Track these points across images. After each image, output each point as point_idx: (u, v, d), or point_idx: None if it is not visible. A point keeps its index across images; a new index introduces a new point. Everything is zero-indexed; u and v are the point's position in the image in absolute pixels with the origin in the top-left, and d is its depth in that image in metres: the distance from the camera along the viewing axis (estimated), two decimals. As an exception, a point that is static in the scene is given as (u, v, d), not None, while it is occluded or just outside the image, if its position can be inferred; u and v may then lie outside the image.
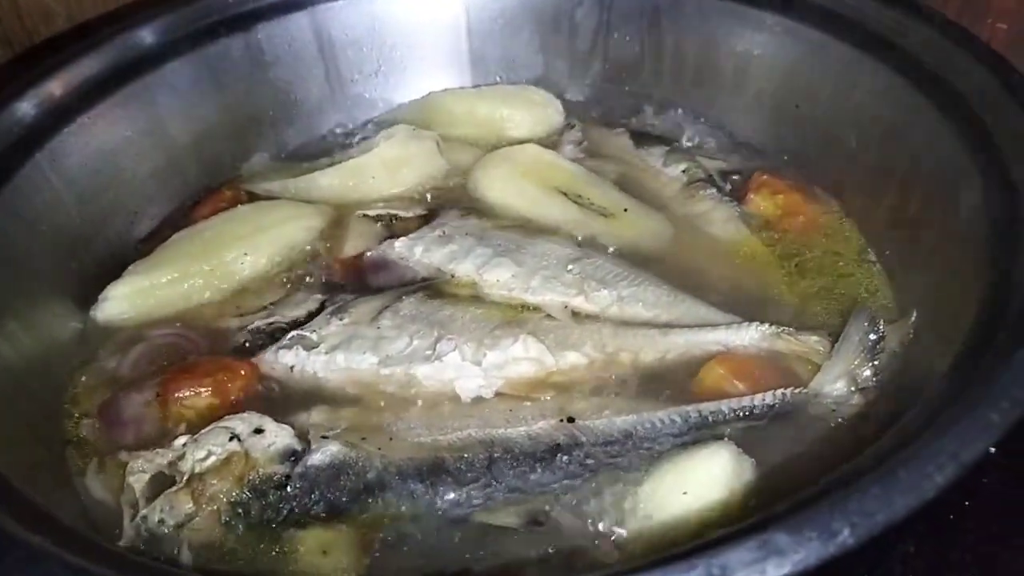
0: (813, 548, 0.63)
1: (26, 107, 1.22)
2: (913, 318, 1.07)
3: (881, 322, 1.06)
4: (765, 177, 1.32)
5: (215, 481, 1.02)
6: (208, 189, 1.45)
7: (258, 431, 1.05)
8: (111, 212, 1.32)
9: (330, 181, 1.43)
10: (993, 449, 0.70)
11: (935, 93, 1.14)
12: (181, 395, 1.12)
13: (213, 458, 1.03)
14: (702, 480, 0.93)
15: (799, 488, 0.72)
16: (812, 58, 1.29)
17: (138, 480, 1.03)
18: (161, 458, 1.05)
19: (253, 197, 1.44)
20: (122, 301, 1.25)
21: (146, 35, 1.35)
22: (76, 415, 1.14)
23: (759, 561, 0.63)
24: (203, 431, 1.06)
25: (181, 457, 1.04)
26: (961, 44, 1.14)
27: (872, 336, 1.04)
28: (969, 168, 1.04)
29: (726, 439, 0.98)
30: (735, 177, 1.35)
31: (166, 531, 0.99)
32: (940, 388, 0.81)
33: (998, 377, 0.76)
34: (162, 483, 1.03)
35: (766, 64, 1.35)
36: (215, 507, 1.00)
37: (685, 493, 0.92)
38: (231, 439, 1.05)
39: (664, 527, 0.91)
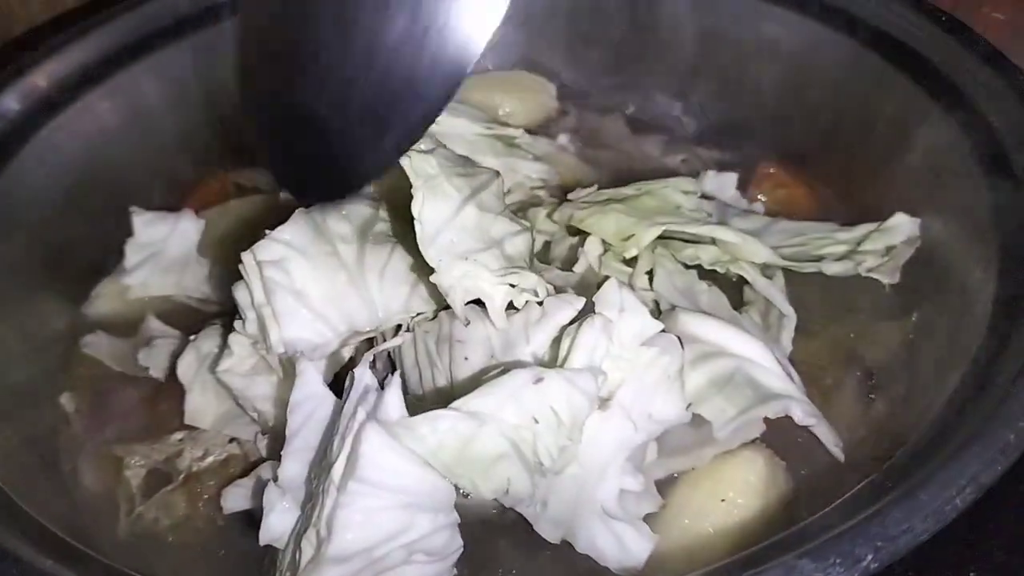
0: (838, 574, 0.64)
1: (10, 101, 1.19)
2: (914, 318, 1.07)
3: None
4: (770, 171, 1.31)
5: (212, 482, 1.02)
6: (195, 181, 1.42)
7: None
8: (99, 207, 1.28)
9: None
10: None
11: (937, 89, 1.13)
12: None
13: (211, 458, 1.03)
14: (739, 488, 0.92)
15: (830, 498, 0.73)
16: (813, 51, 1.28)
17: (135, 475, 1.03)
18: (158, 453, 1.04)
19: (240, 189, 1.41)
20: (113, 298, 1.24)
21: (132, 23, 1.31)
22: (68, 411, 1.12)
23: (785, 588, 0.63)
24: (202, 430, 1.05)
25: (179, 454, 1.03)
26: (963, 41, 1.13)
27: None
28: (976, 170, 1.03)
29: (758, 442, 0.98)
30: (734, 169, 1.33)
31: (161, 529, 0.99)
32: (954, 406, 0.81)
33: (1016, 392, 0.76)
34: (159, 478, 1.02)
35: (767, 55, 1.33)
36: (210, 509, 1.00)
37: (723, 500, 0.91)
38: (230, 441, 1.05)
39: (701, 535, 0.91)
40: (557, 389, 0.84)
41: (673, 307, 1.02)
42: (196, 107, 1.39)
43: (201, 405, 1.07)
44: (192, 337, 1.10)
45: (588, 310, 0.90)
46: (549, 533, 0.90)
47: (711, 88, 1.41)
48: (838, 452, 0.96)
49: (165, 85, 1.35)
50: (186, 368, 1.07)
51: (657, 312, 1.02)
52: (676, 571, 0.85)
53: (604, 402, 0.88)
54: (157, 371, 1.13)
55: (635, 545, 0.87)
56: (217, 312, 1.20)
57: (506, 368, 0.87)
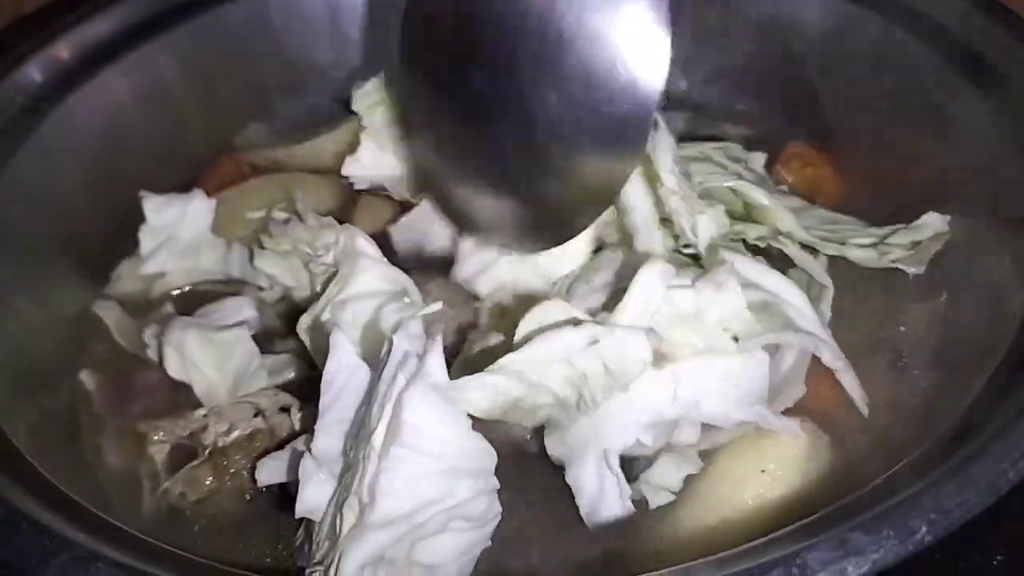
0: (892, 547, 0.63)
1: (31, 73, 1.18)
2: (943, 297, 1.07)
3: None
4: (797, 149, 1.29)
5: (238, 456, 1.01)
6: (211, 160, 1.40)
7: (283, 409, 1.04)
8: (119, 185, 1.26)
9: (337, 145, 1.39)
10: None
11: (970, 68, 1.12)
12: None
13: (236, 432, 1.02)
14: (780, 460, 0.91)
15: (873, 472, 0.73)
16: (845, 29, 1.26)
17: (159, 451, 1.02)
18: (182, 429, 1.03)
19: (256, 168, 1.40)
20: (136, 279, 1.23)
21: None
22: (89, 388, 1.11)
23: (838, 560, 0.62)
24: (226, 404, 1.05)
25: (204, 429, 1.02)
26: (1001, 21, 1.12)
27: None
28: (1010, 155, 1.03)
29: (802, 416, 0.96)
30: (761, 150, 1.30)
31: (187, 505, 0.99)
32: (997, 381, 0.81)
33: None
34: (183, 454, 1.01)
35: (796, 32, 1.32)
36: (237, 484, 1.00)
37: (763, 471, 0.90)
38: (256, 415, 1.03)
39: (739, 506, 0.90)
40: (610, 349, 0.85)
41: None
42: (212, 86, 1.39)
43: (208, 387, 1.08)
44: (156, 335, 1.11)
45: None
46: (553, 448, 0.92)
47: (738, 65, 1.40)
48: (863, 405, 0.97)
49: (184, 61, 1.34)
50: (176, 367, 1.08)
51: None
52: (711, 540, 0.86)
53: (660, 361, 0.88)
54: (155, 355, 1.12)
55: (612, 503, 0.88)
56: (234, 292, 1.20)
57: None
